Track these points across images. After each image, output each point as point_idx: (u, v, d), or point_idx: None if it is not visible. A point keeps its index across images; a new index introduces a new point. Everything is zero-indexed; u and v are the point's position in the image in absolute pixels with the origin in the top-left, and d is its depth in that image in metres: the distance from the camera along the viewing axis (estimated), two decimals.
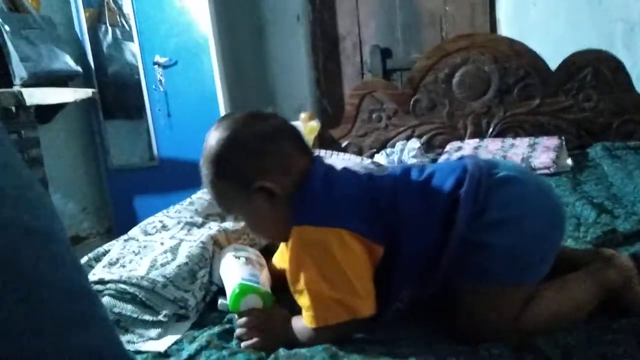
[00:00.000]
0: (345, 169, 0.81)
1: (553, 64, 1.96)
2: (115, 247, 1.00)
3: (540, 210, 0.72)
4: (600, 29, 2.28)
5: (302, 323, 0.70)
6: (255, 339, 0.72)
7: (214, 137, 0.74)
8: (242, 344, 0.72)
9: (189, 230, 1.04)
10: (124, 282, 0.86)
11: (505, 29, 2.45)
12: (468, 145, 1.87)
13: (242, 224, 1.15)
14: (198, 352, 0.74)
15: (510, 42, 2.00)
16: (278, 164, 0.73)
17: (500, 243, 0.68)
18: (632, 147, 1.74)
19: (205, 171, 0.75)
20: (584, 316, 0.68)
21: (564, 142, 1.79)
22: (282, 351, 0.68)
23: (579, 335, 0.61)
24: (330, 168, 0.79)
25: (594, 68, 1.90)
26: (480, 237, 0.69)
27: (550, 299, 0.69)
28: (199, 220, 1.08)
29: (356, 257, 0.68)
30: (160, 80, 2.79)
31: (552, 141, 1.77)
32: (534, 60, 1.97)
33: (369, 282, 0.70)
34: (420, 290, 0.74)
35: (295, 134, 0.78)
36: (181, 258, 0.94)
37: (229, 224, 1.11)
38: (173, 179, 2.81)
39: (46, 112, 2.44)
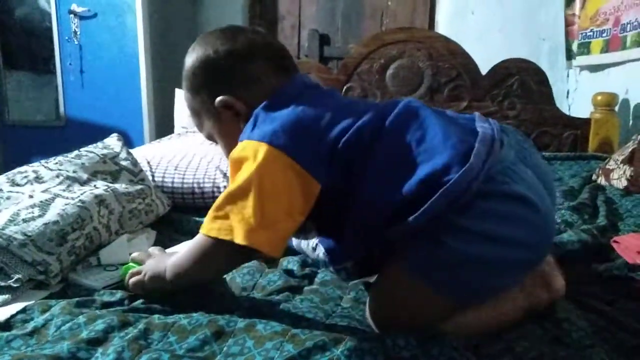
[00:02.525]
0: (328, 96, 0.70)
1: (484, 70, 1.98)
2: None
3: (528, 242, 0.60)
4: (530, 45, 2.37)
5: (183, 252, 0.66)
6: (135, 278, 0.70)
7: (189, 52, 0.74)
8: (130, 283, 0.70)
9: (68, 186, 0.89)
10: None
11: (442, 31, 2.46)
12: None
13: (137, 186, 1.01)
14: (48, 322, 0.61)
15: (446, 40, 2.00)
16: (244, 82, 0.70)
17: (463, 251, 0.58)
18: (547, 157, 1.81)
19: (184, 93, 0.76)
20: (511, 321, 0.62)
21: None
22: (157, 319, 0.58)
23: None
24: (303, 90, 0.69)
25: (521, 77, 1.95)
26: (440, 233, 0.59)
27: (480, 314, 0.61)
28: (84, 176, 0.93)
29: (277, 181, 0.60)
30: (75, 32, 2.52)
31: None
32: (467, 62, 1.98)
33: (282, 213, 0.60)
34: (367, 260, 0.67)
35: (272, 52, 0.72)
36: (51, 215, 0.79)
37: (120, 185, 0.97)
38: (81, 141, 2.55)
39: None
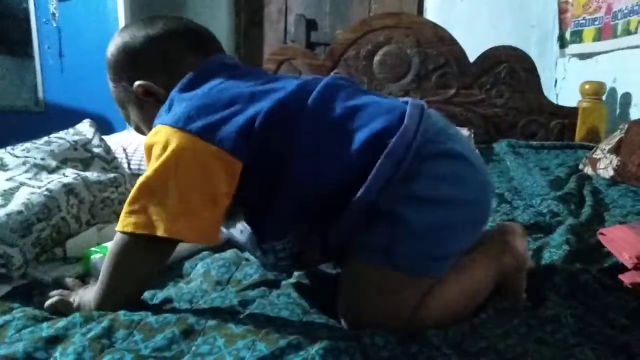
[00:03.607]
0: (248, 74, 0.67)
1: (472, 58, 1.96)
2: None
3: (476, 200, 0.62)
4: (519, 33, 2.34)
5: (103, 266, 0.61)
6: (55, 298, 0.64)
7: (109, 43, 0.73)
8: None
9: (35, 174, 0.84)
10: None
11: (431, 17, 2.42)
12: None
13: (110, 174, 0.97)
14: (7, 322, 0.57)
15: (435, 27, 1.97)
16: (161, 65, 0.69)
17: (419, 221, 0.57)
18: (534, 146, 1.80)
19: (109, 84, 0.74)
20: (480, 301, 0.61)
21: (472, 135, 1.79)
22: (123, 315, 0.55)
23: (468, 327, 0.54)
24: (220, 70, 0.66)
25: (510, 65, 1.93)
26: (395, 208, 0.57)
27: (452, 286, 0.59)
28: (53, 163, 0.89)
29: (194, 167, 0.57)
30: (54, 14, 2.44)
31: (462, 132, 1.76)
32: (455, 49, 1.95)
33: (205, 199, 0.57)
34: (307, 245, 0.64)
35: (191, 34, 0.71)
36: (15, 205, 0.75)
37: (91, 174, 0.92)
38: (60, 128, 2.48)
39: None
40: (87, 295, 0.63)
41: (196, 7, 2.72)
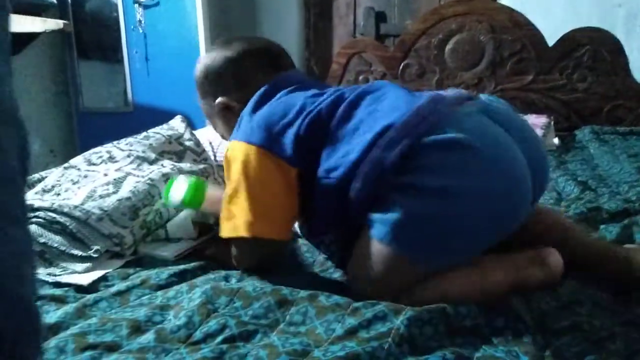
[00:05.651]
0: (302, 90, 0.74)
1: (551, 42, 1.87)
2: (52, 174, 0.90)
3: (485, 190, 0.59)
4: (602, 13, 2.20)
5: None
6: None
7: (196, 65, 0.85)
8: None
9: (138, 165, 0.94)
10: (54, 211, 0.76)
11: (506, 1, 2.34)
12: None
13: (200, 165, 1.05)
14: (129, 289, 0.66)
15: (511, 12, 1.91)
16: (237, 83, 0.79)
17: (411, 209, 0.59)
18: (621, 132, 1.69)
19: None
20: (493, 297, 0.59)
21: (552, 121, 1.72)
22: (223, 284, 0.62)
23: (552, 301, 0.54)
24: (280, 88, 0.75)
25: (593, 47, 1.83)
26: (391, 195, 0.60)
27: (458, 280, 0.60)
28: (152, 156, 0.98)
29: (259, 173, 0.66)
30: (140, 21, 2.63)
31: (541, 119, 1.70)
32: (532, 34, 1.88)
33: (273, 201, 0.66)
34: (341, 235, 0.69)
35: (263, 53, 0.81)
36: (124, 192, 0.84)
37: (185, 164, 1.01)
38: (147, 127, 2.68)
39: (12, 43, 2.28)
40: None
41: (267, 4, 2.81)
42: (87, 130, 2.81)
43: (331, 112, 0.67)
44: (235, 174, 0.67)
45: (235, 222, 0.67)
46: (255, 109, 0.72)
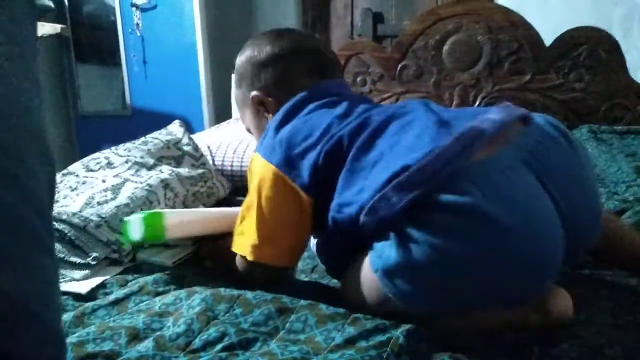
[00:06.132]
0: (332, 107, 0.69)
1: (548, 41, 1.87)
2: None
3: (489, 264, 0.53)
4: (600, 12, 2.20)
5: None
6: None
7: (240, 51, 0.81)
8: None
9: (136, 171, 0.94)
10: (52, 218, 0.76)
11: (503, 1, 2.35)
12: None
13: (199, 170, 1.06)
14: (127, 296, 0.66)
15: (507, 12, 1.91)
16: (279, 82, 0.76)
17: (411, 262, 0.54)
18: (618, 131, 1.70)
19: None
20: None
21: None
22: (223, 291, 0.62)
23: None
24: (314, 96, 0.71)
25: (590, 47, 1.83)
26: (395, 235, 0.56)
27: (445, 324, 0.58)
28: (150, 161, 0.98)
29: (272, 197, 0.64)
30: (138, 24, 2.63)
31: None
32: (529, 33, 1.88)
33: (282, 228, 0.65)
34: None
35: (312, 56, 0.77)
36: (122, 198, 0.84)
37: (183, 170, 1.01)
38: (145, 130, 2.68)
39: None
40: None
41: (265, 5, 2.81)
42: (85, 133, 2.81)
43: (352, 139, 0.62)
44: (252, 189, 0.66)
45: (242, 241, 0.66)
46: (283, 123, 0.69)
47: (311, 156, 0.63)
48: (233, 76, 0.82)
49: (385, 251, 0.56)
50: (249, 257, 0.65)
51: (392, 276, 0.56)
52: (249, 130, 0.83)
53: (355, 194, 0.59)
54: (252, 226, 0.65)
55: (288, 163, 0.64)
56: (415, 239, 0.53)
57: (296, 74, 0.75)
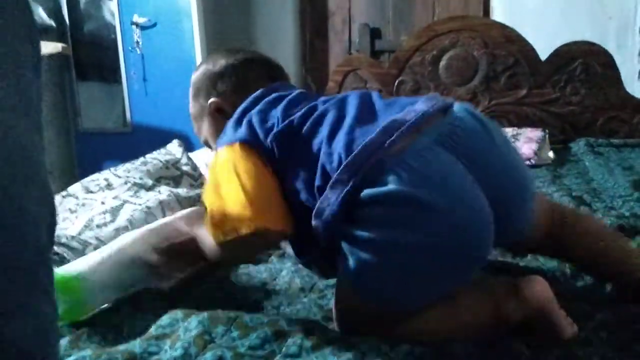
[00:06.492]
0: (284, 98, 0.72)
1: (544, 56, 1.90)
2: None
3: (432, 244, 0.55)
4: (595, 25, 2.23)
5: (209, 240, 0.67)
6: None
7: (196, 67, 0.85)
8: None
9: (135, 192, 0.95)
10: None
11: (498, 17, 2.37)
12: None
13: (197, 190, 1.06)
14: (123, 320, 0.66)
15: (502, 27, 1.94)
16: (236, 88, 0.79)
17: (361, 259, 0.56)
18: (615, 144, 1.71)
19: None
20: (477, 334, 0.57)
21: (547, 135, 1.73)
22: (220, 312, 0.62)
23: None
24: (264, 95, 0.73)
25: (585, 61, 1.85)
26: (340, 244, 0.58)
27: (433, 318, 0.58)
28: (149, 182, 0.99)
29: (254, 167, 0.64)
30: (138, 42, 2.66)
31: (535, 133, 1.72)
32: (525, 48, 1.90)
33: (267, 191, 0.64)
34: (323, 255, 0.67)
35: (262, 64, 0.83)
36: (121, 221, 0.85)
37: (182, 190, 1.02)
38: (146, 146, 2.68)
39: None
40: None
41: (264, 21, 2.84)
42: (86, 150, 2.83)
43: (298, 127, 0.65)
44: (222, 173, 0.64)
45: (230, 223, 0.62)
46: (240, 119, 0.71)
47: (270, 136, 0.66)
48: (190, 92, 0.84)
49: (344, 259, 0.58)
50: (246, 231, 0.60)
51: (357, 280, 0.58)
52: (206, 143, 0.84)
53: (302, 181, 0.63)
54: (238, 202, 0.62)
55: (252, 136, 0.66)
56: (356, 238, 0.56)
57: (252, 80, 0.80)
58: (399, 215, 0.55)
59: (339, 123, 0.63)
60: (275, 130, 0.65)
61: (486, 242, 0.57)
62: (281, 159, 0.65)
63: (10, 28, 0.31)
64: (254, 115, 0.69)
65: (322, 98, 0.71)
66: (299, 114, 0.66)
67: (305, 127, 0.64)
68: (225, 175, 0.64)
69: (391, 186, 0.54)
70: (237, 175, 0.63)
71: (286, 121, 0.65)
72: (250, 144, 0.66)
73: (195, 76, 0.83)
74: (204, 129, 0.83)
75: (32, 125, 0.32)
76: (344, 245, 0.58)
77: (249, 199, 0.62)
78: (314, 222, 0.61)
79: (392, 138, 0.56)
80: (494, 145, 0.61)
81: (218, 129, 0.77)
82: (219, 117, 0.79)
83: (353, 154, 0.57)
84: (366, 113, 0.64)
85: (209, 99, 0.79)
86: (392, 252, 0.55)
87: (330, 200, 0.58)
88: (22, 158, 0.30)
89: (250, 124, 0.68)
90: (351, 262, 0.57)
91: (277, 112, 0.68)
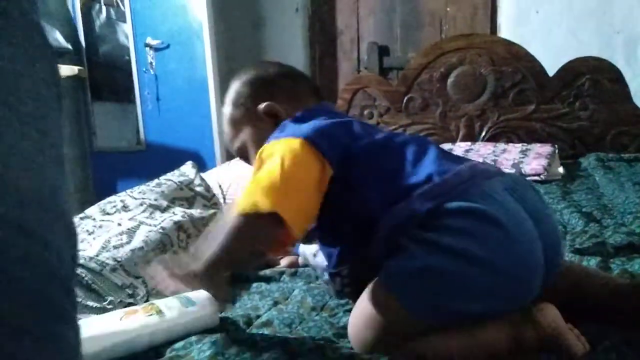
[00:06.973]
0: (343, 116, 0.79)
1: (552, 72, 1.91)
2: None
3: (500, 267, 0.59)
4: (602, 40, 2.24)
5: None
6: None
7: (236, 76, 0.84)
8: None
9: (151, 214, 0.98)
10: None
11: (505, 34, 2.39)
12: (459, 148, 1.81)
13: (210, 211, 1.09)
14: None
15: (508, 44, 1.95)
16: (289, 97, 0.79)
17: (425, 262, 0.59)
18: (626, 159, 1.70)
19: (224, 110, 0.83)
20: (492, 358, 0.59)
21: (556, 150, 1.74)
22: (233, 333, 0.63)
23: None
24: (326, 112, 0.77)
25: (593, 76, 1.85)
26: (408, 244, 0.61)
27: (451, 340, 0.60)
28: (164, 203, 1.02)
29: (302, 158, 0.65)
30: (151, 63, 2.72)
31: (545, 148, 1.72)
32: (532, 65, 1.92)
33: (305, 196, 0.64)
34: (363, 271, 0.68)
35: (310, 81, 0.87)
36: (137, 242, 0.87)
37: (195, 211, 1.05)
38: (159, 165, 2.73)
39: None
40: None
41: (274, 42, 2.90)
42: (101, 169, 2.88)
43: (382, 148, 0.70)
44: (271, 162, 0.64)
45: (252, 198, 0.61)
46: (300, 121, 0.72)
47: (340, 141, 0.68)
48: (226, 99, 0.82)
49: (400, 263, 0.61)
50: (264, 208, 0.59)
51: (410, 285, 0.60)
52: (241, 152, 0.81)
53: (378, 196, 0.65)
54: (270, 181, 0.62)
55: (318, 135, 0.67)
56: (428, 240, 0.60)
57: (303, 92, 0.82)
58: (475, 228, 0.60)
59: (422, 153, 0.69)
60: (363, 142, 0.70)
61: (538, 280, 0.62)
62: (360, 168, 0.68)
63: (35, 75, 0.33)
64: (330, 124, 0.71)
65: (388, 132, 0.78)
66: (382, 135, 0.73)
67: (389, 148, 0.70)
68: (273, 157, 0.65)
69: (478, 204, 0.61)
70: (282, 159, 0.63)
71: (367, 140, 0.70)
72: (317, 145, 0.65)
73: (241, 82, 0.81)
74: (245, 134, 0.80)
75: (55, 159, 0.34)
76: (411, 246, 0.61)
77: (282, 179, 0.62)
78: (381, 223, 0.64)
79: (480, 175, 0.66)
80: (544, 205, 0.70)
81: (264, 133, 0.75)
82: (269, 120, 0.78)
83: (448, 175, 0.64)
84: (446, 153, 0.73)
85: (259, 103, 0.78)
86: (459, 258, 0.59)
87: (414, 205, 0.62)
88: (49, 195, 0.31)
89: (321, 130, 0.68)
90: (409, 264, 0.60)
91: (356, 127, 0.72)
